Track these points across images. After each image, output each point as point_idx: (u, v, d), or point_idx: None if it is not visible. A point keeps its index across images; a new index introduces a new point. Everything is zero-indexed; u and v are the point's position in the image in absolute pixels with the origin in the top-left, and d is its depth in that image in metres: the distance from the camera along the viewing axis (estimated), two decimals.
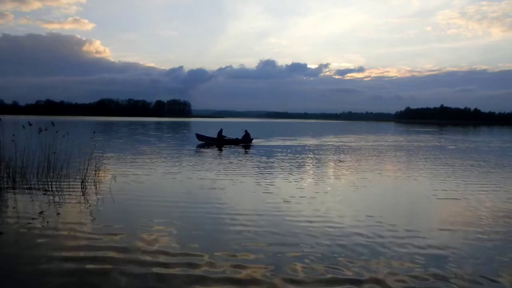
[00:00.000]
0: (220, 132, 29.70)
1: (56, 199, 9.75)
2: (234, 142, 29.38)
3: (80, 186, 11.09)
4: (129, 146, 25.91)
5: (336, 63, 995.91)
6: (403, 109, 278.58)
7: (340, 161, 19.44)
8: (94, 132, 29.55)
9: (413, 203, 10.33)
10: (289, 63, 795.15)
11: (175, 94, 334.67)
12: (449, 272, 5.54)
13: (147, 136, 38.07)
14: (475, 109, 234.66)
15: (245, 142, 29.22)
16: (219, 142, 28.87)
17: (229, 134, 32.08)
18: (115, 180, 12.25)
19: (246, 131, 30.28)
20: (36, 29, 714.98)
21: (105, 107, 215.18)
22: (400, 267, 5.70)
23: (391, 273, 5.50)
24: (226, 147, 26.57)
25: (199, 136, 30.46)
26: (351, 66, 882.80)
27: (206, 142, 29.35)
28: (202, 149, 24.59)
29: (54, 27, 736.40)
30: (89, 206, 9.15)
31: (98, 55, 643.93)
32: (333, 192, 11.25)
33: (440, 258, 6.11)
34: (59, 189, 10.84)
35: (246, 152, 23.05)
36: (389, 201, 10.62)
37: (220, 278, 5.26)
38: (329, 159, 20.17)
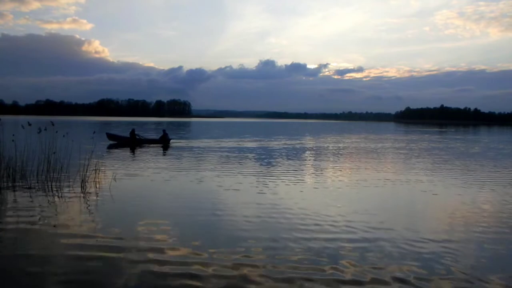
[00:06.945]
0: (133, 131, 28.59)
1: (56, 199, 9.75)
2: (149, 142, 28.40)
3: (80, 186, 11.09)
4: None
5: (336, 63, 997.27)
6: (402, 109, 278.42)
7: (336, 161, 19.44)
8: (94, 132, 29.50)
9: (418, 205, 10.33)
10: (289, 63, 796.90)
11: (174, 94, 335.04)
12: (448, 272, 5.56)
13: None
14: (475, 109, 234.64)
15: (162, 142, 28.09)
16: (132, 142, 27.67)
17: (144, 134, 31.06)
18: (115, 180, 12.25)
19: (164, 131, 29.57)
20: (35, 29, 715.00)
21: (105, 107, 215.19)
22: (399, 267, 5.71)
23: (389, 272, 5.51)
24: (144, 146, 25.65)
25: (110, 136, 29.39)
26: (350, 66, 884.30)
27: (119, 142, 28.20)
28: (197, 150, 24.55)
29: (53, 27, 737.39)
30: (89, 206, 9.16)
31: (97, 55, 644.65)
32: (329, 189, 11.28)
33: (440, 257, 6.13)
34: (59, 189, 10.84)
35: (164, 153, 22.06)
36: (389, 200, 10.62)
37: (219, 278, 5.27)
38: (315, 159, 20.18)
